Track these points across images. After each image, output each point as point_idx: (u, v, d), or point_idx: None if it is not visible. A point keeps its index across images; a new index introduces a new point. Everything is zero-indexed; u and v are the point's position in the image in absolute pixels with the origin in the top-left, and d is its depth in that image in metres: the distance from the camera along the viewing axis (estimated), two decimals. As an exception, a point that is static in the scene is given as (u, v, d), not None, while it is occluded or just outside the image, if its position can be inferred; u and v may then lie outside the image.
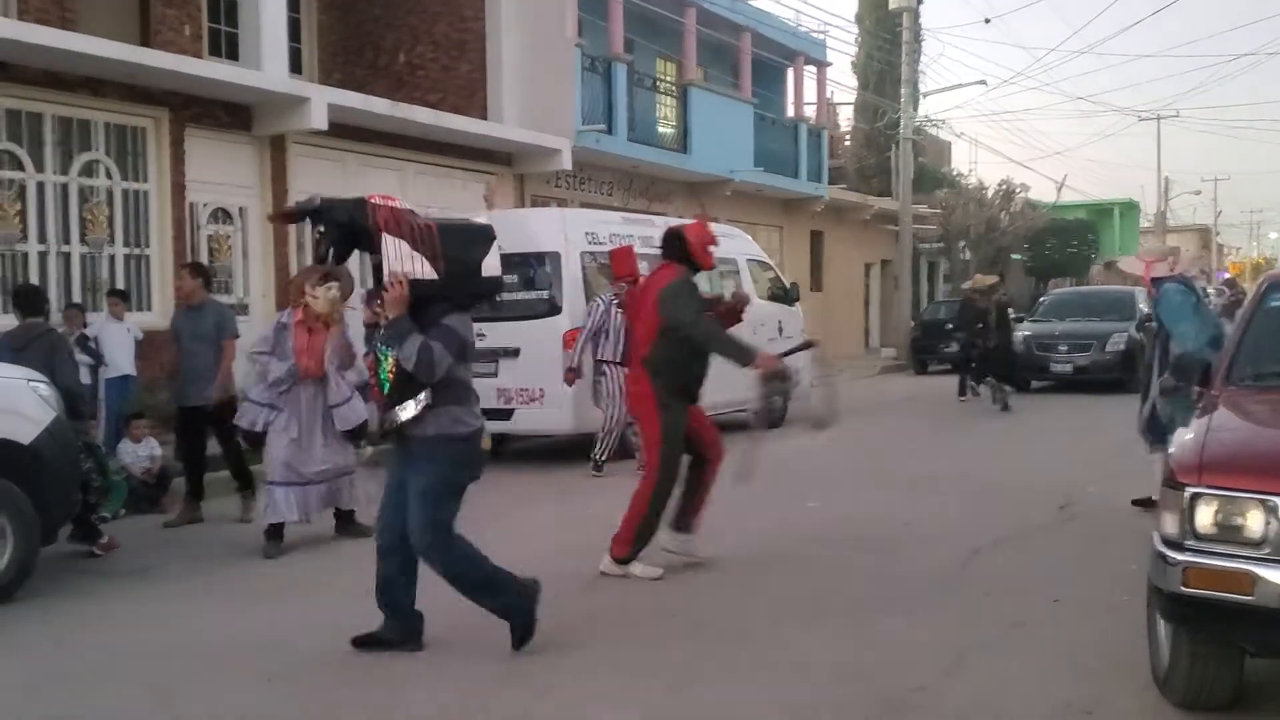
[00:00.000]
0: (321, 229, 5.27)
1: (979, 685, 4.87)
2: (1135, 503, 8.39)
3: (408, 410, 5.13)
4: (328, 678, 5.14)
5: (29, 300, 8.40)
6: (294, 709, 4.80)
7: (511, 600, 5.33)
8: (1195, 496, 4.15)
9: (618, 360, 11.04)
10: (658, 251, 12.56)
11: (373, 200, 5.18)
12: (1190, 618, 4.19)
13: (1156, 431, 8.02)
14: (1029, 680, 4.92)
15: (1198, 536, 4.14)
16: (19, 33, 11.00)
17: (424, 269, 5.05)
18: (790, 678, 5.01)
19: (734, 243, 14.74)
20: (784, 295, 14.85)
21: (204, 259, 13.44)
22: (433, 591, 5.42)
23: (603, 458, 11.06)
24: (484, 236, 5.30)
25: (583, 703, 4.78)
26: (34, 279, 11.60)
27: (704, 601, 6.32)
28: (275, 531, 7.94)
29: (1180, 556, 4.14)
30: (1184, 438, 4.64)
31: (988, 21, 31.22)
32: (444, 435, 5.16)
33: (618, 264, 11.25)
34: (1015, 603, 6.12)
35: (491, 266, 5.26)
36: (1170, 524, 4.24)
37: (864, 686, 4.86)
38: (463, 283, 5.20)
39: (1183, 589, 4.12)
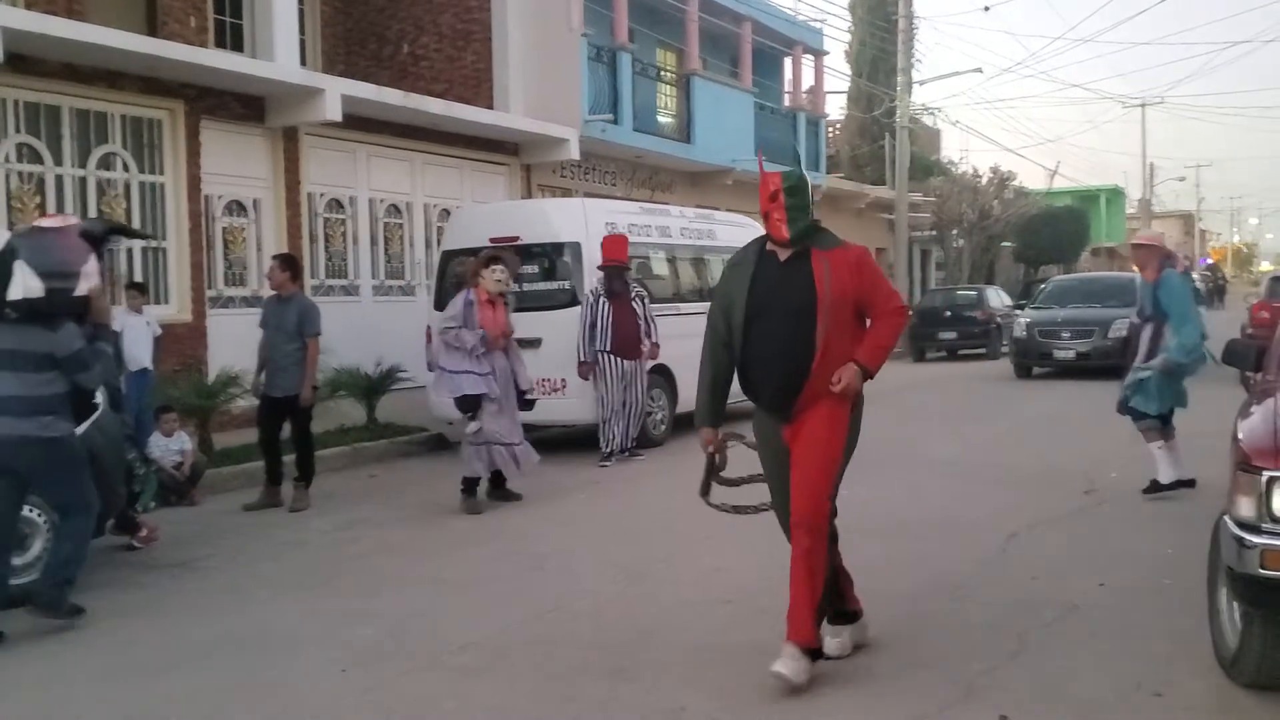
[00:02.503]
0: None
1: (1046, 667, 4.92)
2: (1146, 491, 8.53)
3: None
4: (402, 668, 5.17)
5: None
6: (380, 699, 4.81)
7: None
8: (1273, 480, 4.21)
9: (608, 349, 11.10)
10: (674, 241, 12.85)
11: None
12: (1268, 600, 4.25)
13: (1134, 411, 8.31)
14: (1094, 662, 4.98)
15: (1275, 519, 4.21)
16: (37, 25, 10.90)
17: None
18: (859, 660, 5.06)
19: (745, 232, 14.77)
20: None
21: (219, 251, 13.46)
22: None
23: (608, 449, 11.13)
24: None
25: (662, 688, 4.82)
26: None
27: (755, 590, 6.33)
28: (470, 487, 8.94)
29: (1258, 540, 4.20)
30: (1252, 421, 4.69)
31: (987, 9, 31.37)
32: None
33: (608, 249, 11.25)
34: (1062, 586, 6.18)
35: None
36: (1246, 507, 4.30)
37: (932, 670, 4.91)
38: None
39: (1261, 571, 4.17)
